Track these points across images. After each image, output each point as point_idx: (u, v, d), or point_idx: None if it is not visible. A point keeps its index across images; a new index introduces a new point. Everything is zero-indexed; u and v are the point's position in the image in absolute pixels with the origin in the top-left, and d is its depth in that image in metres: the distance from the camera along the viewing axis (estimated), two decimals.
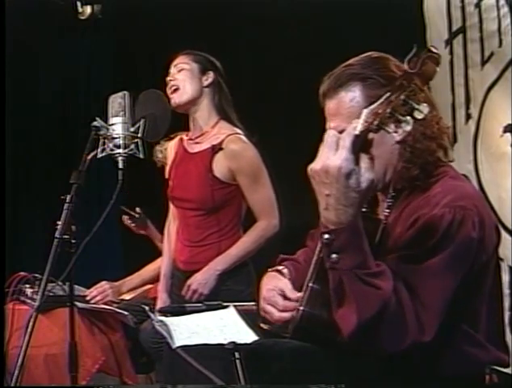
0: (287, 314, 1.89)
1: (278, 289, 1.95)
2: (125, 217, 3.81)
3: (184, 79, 3.05)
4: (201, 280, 2.99)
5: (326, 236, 1.61)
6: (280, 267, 2.07)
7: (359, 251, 1.61)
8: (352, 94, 1.78)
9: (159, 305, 3.19)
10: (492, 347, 1.74)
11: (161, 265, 3.31)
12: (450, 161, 1.84)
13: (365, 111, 1.60)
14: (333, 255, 1.61)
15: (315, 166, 1.60)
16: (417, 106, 1.57)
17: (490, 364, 1.77)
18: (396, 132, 1.65)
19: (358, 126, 1.59)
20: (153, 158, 3.61)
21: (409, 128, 1.62)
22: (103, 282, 3.35)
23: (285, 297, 1.93)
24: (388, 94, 1.58)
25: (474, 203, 1.71)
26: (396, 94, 1.57)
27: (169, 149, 3.28)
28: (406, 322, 1.61)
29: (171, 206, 3.27)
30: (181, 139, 3.21)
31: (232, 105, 3.13)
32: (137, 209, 3.79)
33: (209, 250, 3.05)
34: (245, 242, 3.04)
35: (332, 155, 1.57)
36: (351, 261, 1.60)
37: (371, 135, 1.60)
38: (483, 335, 1.73)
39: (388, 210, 1.84)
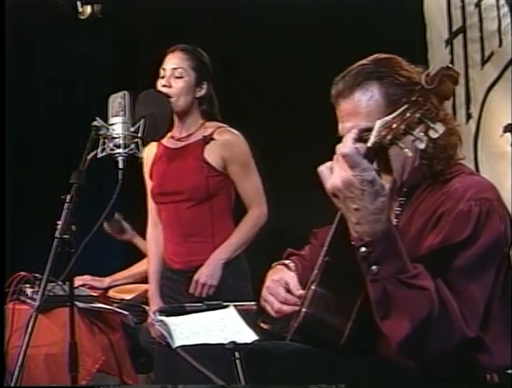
0: (286, 307, 1.90)
1: (282, 282, 1.96)
2: (105, 224, 3.69)
3: (181, 91, 3.03)
4: (208, 273, 2.99)
5: (363, 249, 1.58)
6: (287, 262, 2.08)
7: (398, 256, 1.59)
8: (370, 93, 1.75)
9: (154, 310, 3.17)
10: (497, 353, 1.71)
11: (147, 270, 3.25)
12: (460, 158, 1.85)
13: (378, 123, 1.57)
14: (373, 267, 1.58)
15: (335, 183, 1.55)
16: (432, 125, 1.53)
17: (494, 370, 1.75)
18: (408, 148, 1.56)
19: (370, 138, 1.57)
20: None
21: (422, 146, 1.56)
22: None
23: (288, 290, 1.93)
24: (403, 107, 1.54)
25: (496, 195, 1.72)
26: (412, 110, 1.53)
27: (145, 154, 3.10)
28: (452, 319, 1.60)
29: (152, 210, 3.22)
30: None
31: (217, 106, 3.15)
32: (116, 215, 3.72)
33: (204, 243, 3.05)
34: (243, 231, 3.08)
35: (349, 169, 1.53)
36: (392, 268, 1.57)
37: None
38: (491, 336, 1.71)
39: (399, 209, 1.83)
